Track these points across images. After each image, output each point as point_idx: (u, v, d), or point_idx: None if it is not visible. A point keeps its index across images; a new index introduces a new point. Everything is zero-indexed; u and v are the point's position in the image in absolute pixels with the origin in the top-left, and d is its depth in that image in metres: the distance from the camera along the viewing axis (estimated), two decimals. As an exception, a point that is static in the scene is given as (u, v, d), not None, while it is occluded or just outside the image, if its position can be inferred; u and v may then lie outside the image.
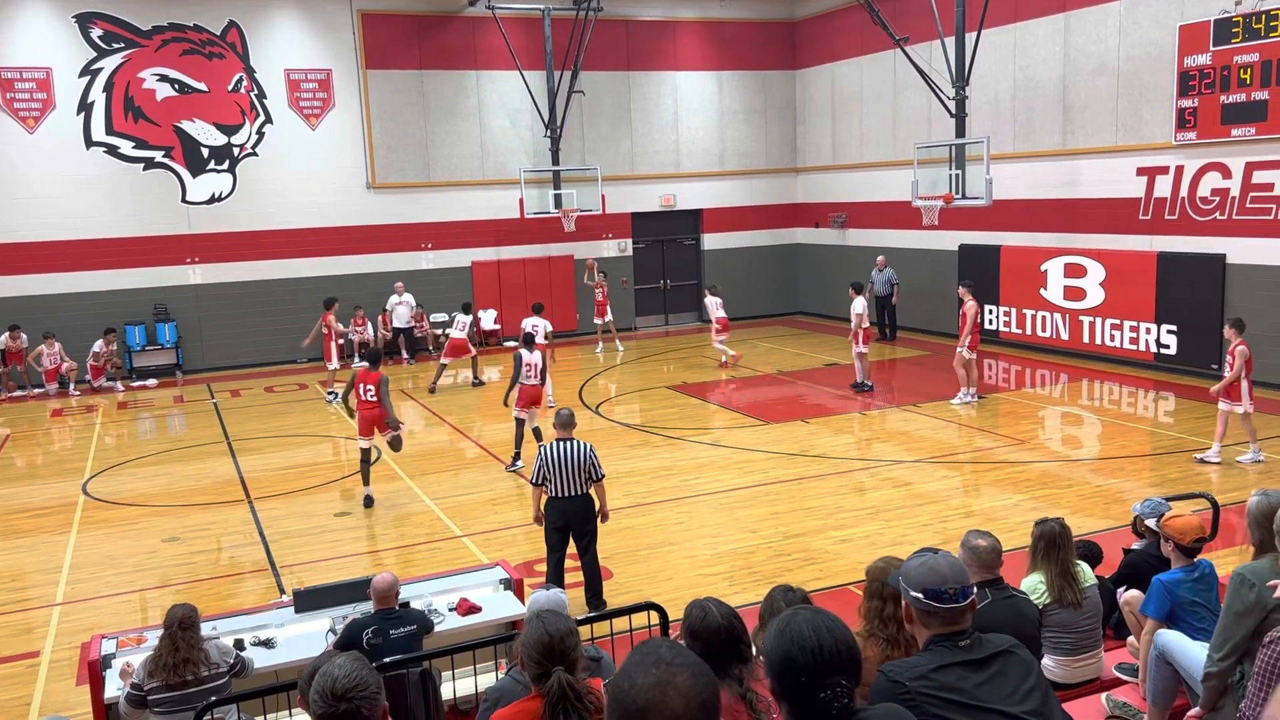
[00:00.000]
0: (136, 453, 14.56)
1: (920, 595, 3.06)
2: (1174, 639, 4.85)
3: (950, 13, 17.49)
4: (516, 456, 12.65)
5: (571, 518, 8.05)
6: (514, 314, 22.86)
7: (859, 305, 16.10)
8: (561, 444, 8.04)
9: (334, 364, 17.80)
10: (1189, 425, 13.56)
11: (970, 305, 14.94)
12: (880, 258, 21.88)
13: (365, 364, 12.15)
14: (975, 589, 4.10)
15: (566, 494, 8.00)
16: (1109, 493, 10.81)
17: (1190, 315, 16.27)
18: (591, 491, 8.10)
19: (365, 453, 11.58)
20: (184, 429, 16.35)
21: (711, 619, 3.44)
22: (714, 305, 19.18)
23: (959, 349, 15.06)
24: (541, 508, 8.27)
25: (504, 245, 23.07)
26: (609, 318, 21.18)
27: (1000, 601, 4.60)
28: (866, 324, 16.26)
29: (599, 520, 8.22)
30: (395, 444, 11.71)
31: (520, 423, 12.69)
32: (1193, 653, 4.75)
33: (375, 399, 11.51)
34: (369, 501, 11.45)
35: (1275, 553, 4.42)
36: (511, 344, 22.69)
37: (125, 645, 6.24)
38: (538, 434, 12.73)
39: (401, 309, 21.17)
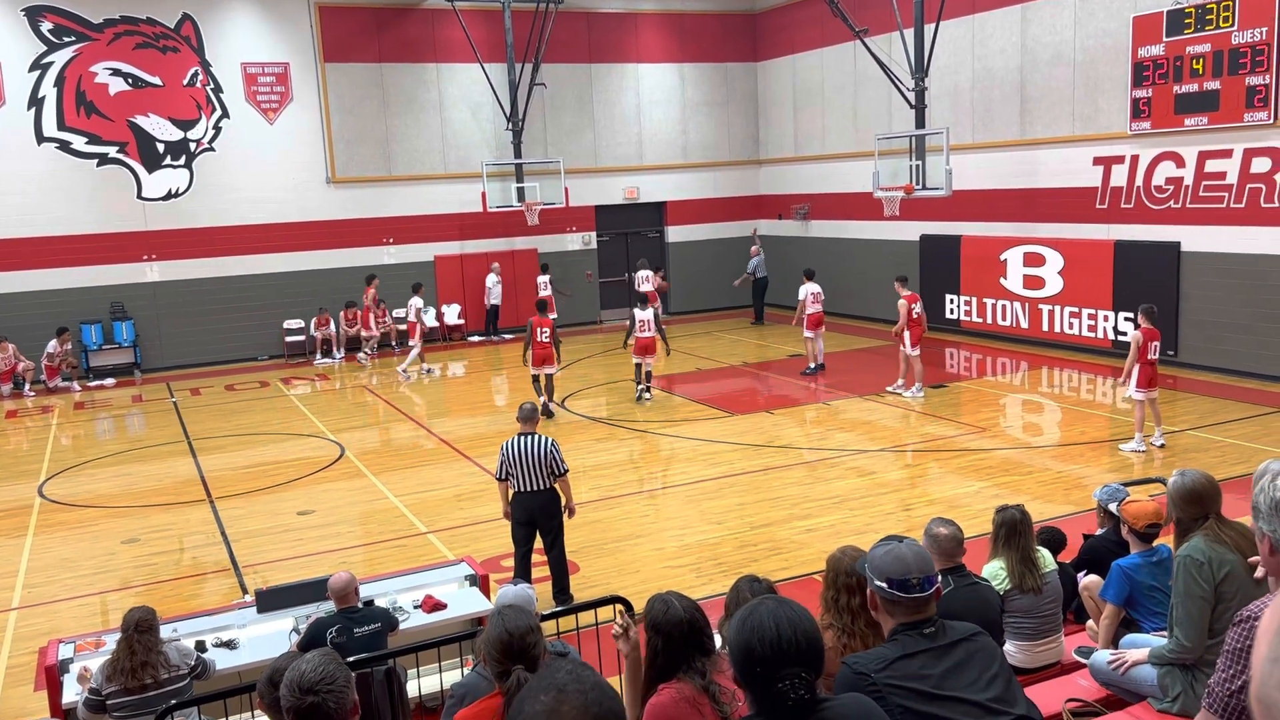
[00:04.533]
0: (94, 453, 14.33)
1: (885, 585, 3.08)
2: (1142, 668, 4.82)
3: (909, 4, 17.60)
4: (645, 389, 15.55)
5: (536, 512, 8.04)
6: (478, 308, 22.79)
7: (802, 292, 17.02)
8: (522, 438, 8.01)
9: (373, 333, 20.78)
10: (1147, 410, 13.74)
11: (902, 301, 14.97)
12: (754, 246, 23.05)
13: (539, 313, 15.28)
14: (940, 577, 4.15)
15: (530, 488, 7.98)
16: (1069, 479, 10.96)
17: (1147, 302, 16.45)
18: (557, 486, 8.08)
19: (535, 379, 14.81)
20: (143, 429, 16.11)
21: (674, 612, 3.45)
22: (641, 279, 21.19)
23: (900, 347, 15.15)
24: (508, 502, 8.25)
25: (467, 239, 22.93)
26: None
27: (963, 588, 4.66)
28: (813, 309, 16.98)
29: (565, 515, 8.20)
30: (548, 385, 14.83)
31: (639, 366, 15.51)
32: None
33: (549, 339, 14.57)
34: (549, 412, 14.47)
35: (1204, 531, 4.49)
36: (476, 338, 22.66)
37: (83, 649, 6.14)
38: (648, 376, 15.64)
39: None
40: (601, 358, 20.05)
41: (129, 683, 5.39)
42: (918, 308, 14.97)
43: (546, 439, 8.06)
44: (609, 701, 1.88)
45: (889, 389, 15.51)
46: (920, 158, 17.74)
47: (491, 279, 22.53)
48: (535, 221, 22.15)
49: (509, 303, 22.70)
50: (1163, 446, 11.75)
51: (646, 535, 9.84)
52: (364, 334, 21.05)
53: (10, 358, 18.70)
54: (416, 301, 19.32)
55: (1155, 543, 5.41)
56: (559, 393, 15.96)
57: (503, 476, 8.12)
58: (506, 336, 22.53)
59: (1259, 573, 2.46)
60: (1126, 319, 16.87)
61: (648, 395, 15.62)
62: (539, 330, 14.65)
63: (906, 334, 14.84)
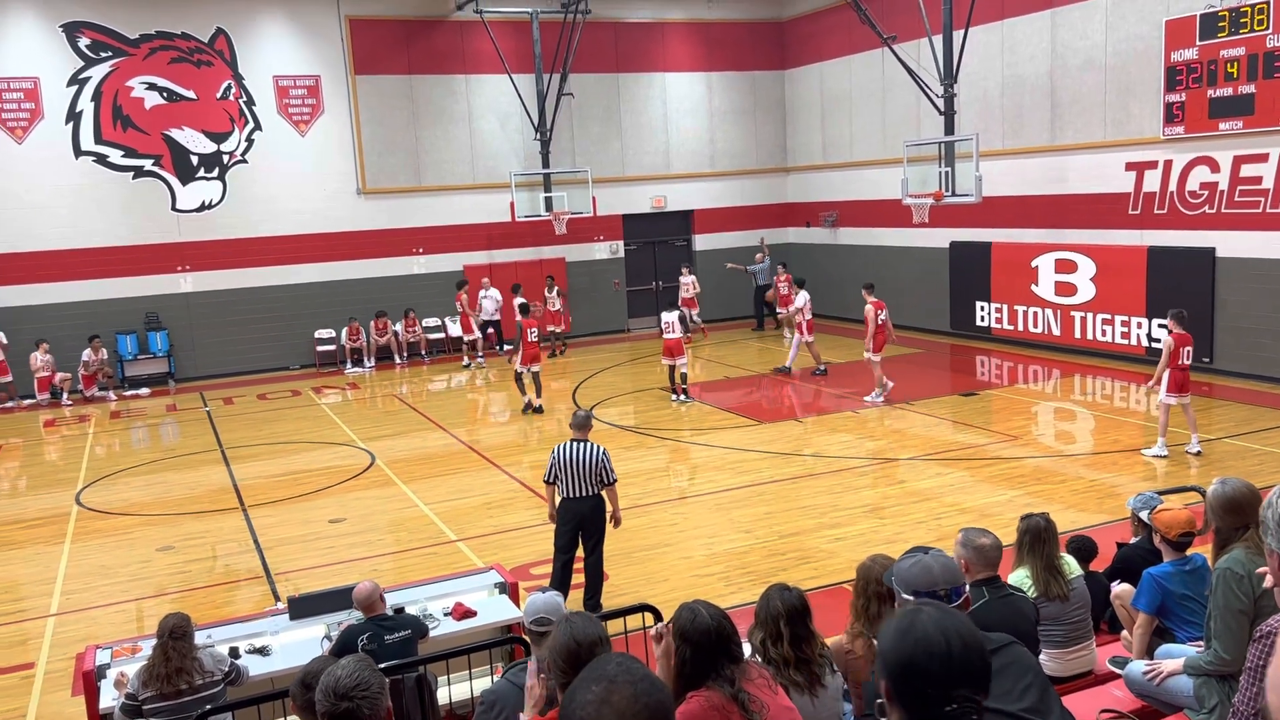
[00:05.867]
0: (130, 462, 14.53)
1: (912, 597, 3.07)
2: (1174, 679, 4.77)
3: (937, 11, 17.53)
4: (678, 392, 16.11)
5: (583, 518, 8.08)
6: (506, 317, 22.86)
7: (802, 299, 17.39)
8: (575, 444, 8.08)
9: (474, 335, 21.14)
10: (1181, 418, 13.57)
11: (869, 308, 15.28)
12: (759, 253, 23.19)
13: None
14: (970, 588, 4.12)
15: (577, 494, 8.03)
16: (1102, 487, 10.84)
17: (1181, 309, 16.28)
18: (604, 494, 8.12)
19: (518, 376, 15.83)
20: (177, 437, 16.31)
21: (701, 620, 3.45)
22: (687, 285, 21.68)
23: (865, 352, 15.46)
24: (555, 506, 8.27)
25: (495, 249, 23.06)
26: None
27: (998, 600, 4.56)
28: (809, 315, 17.57)
29: (611, 525, 8.24)
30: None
31: (671, 369, 16.13)
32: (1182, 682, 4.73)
33: (536, 339, 15.79)
34: (539, 409, 15.67)
35: (1244, 542, 4.42)
36: (507, 346, 22.74)
37: (120, 655, 6.23)
38: (683, 379, 16.23)
39: (488, 302, 21.56)
40: (629, 366, 20.08)
41: (164, 688, 5.46)
42: (883, 315, 15.33)
43: (598, 447, 8.11)
44: (658, 693, 1.92)
45: (867, 398, 15.48)
46: (949, 164, 17.65)
47: (490, 303, 21.75)
48: (563, 231, 22.25)
49: (509, 315, 22.52)
50: (1199, 454, 11.60)
51: (675, 544, 9.84)
52: (466, 337, 21.14)
53: (49, 365, 18.99)
54: (518, 302, 19.68)
55: (1189, 551, 5.35)
56: (557, 395, 16.00)
57: (551, 480, 8.17)
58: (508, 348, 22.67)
59: (1268, 581, 2.43)
60: (1160, 325, 16.66)
61: (682, 399, 16.02)
62: (528, 331, 15.80)
63: (869, 341, 15.31)
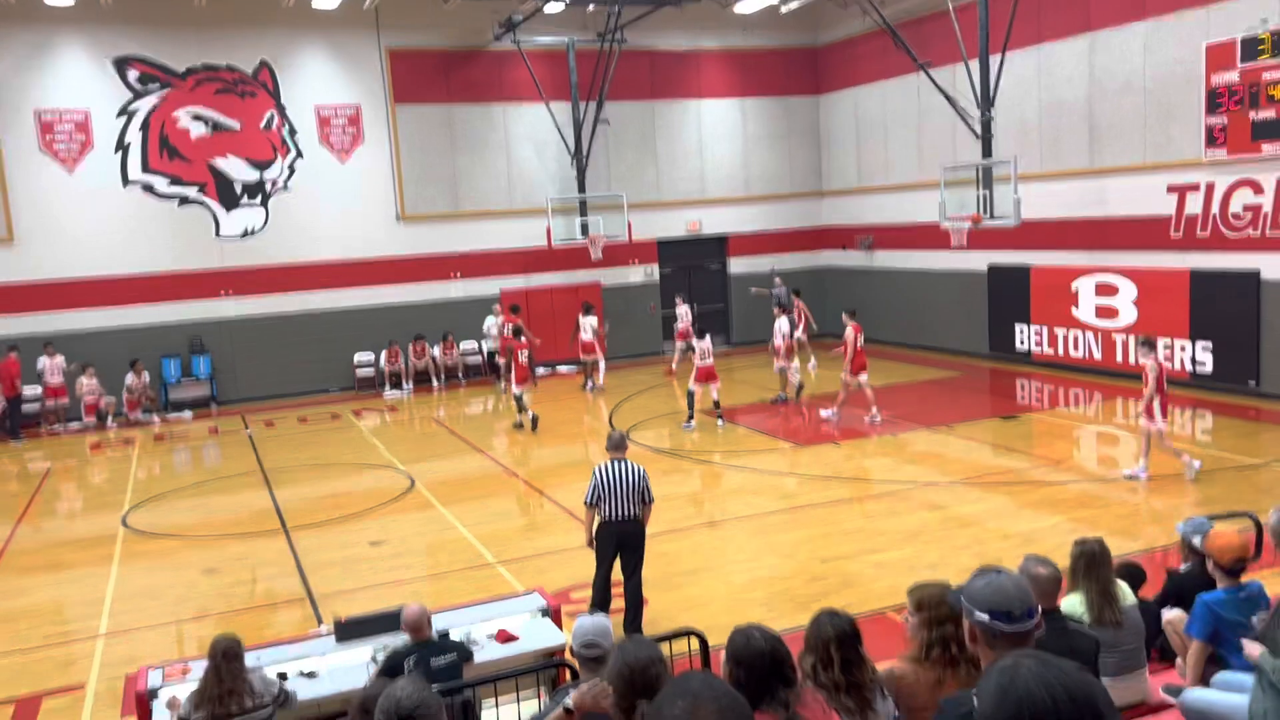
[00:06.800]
0: (174, 484, 14.74)
1: (986, 617, 3.01)
2: (1201, 699, 4.69)
3: (973, 36, 17.53)
4: (690, 418, 16.10)
5: (624, 540, 8.04)
6: (542, 341, 22.99)
7: (784, 324, 17.53)
8: (616, 464, 8.05)
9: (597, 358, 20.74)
10: (1229, 443, 13.40)
11: (849, 332, 15.66)
12: (777, 278, 23.03)
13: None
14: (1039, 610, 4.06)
15: (620, 516, 7.99)
16: (1149, 512, 10.69)
17: (1225, 332, 16.11)
18: (642, 515, 8.12)
19: (518, 398, 16.65)
20: (219, 460, 16.54)
21: (755, 644, 3.45)
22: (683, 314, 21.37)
23: (842, 373, 15.83)
24: (594, 530, 8.20)
25: (532, 273, 23.23)
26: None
27: (1053, 633, 4.26)
28: (787, 340, 17.56)
29: None
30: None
31: (699, 394, 16.13)
32: (1225, 705, 4.64)
33: (527, 361, 16.40)
34: (535, 425, 16.41)
35: None
36: (541, 370, 22.88)
37: (171, 676, 6.31)
38: (716, 405, 16.29)
39: (494, 328, 21.62)
40: (665, 389, 20.11)
41: (216, 710, 5.52)
42: (861, 339, 15.79)
43: (639, 466, 8.10)
44: (741, 708, 1.92)
45: (867, 418, 15.67)
46: (987, 187, 17.58)
47: (490, 321, 21.72)
48: (599, 255, 22.39)
49: (545, 339, 22.61)
50: (1194, 480, 11.51)
51: (715, 568, 9.81)
52: (586, 358, 20.51)
53: (95, 389, 19.34)
54: (591, 321, 19.96)
55: (1244, 578, 5.27)
56: (595, 417, 16.01)
57: (593, 502, 8.07)
58: (539, 370, 22.78)
59: None
60: (1204, 348, 16.47)
61: (718, 423, 16.11)
62: (519, 353, 16.60)
63: (847, 364, 15.69)
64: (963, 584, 3.21)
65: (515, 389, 16.74)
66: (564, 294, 23.27)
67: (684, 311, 21.87)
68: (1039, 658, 2.15)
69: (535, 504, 12.48)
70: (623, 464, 8.06)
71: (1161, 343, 17.13)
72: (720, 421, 16.12)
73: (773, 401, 17.80)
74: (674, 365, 21.04)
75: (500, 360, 20.74)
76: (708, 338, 16.39)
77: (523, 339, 17.28)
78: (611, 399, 19.36)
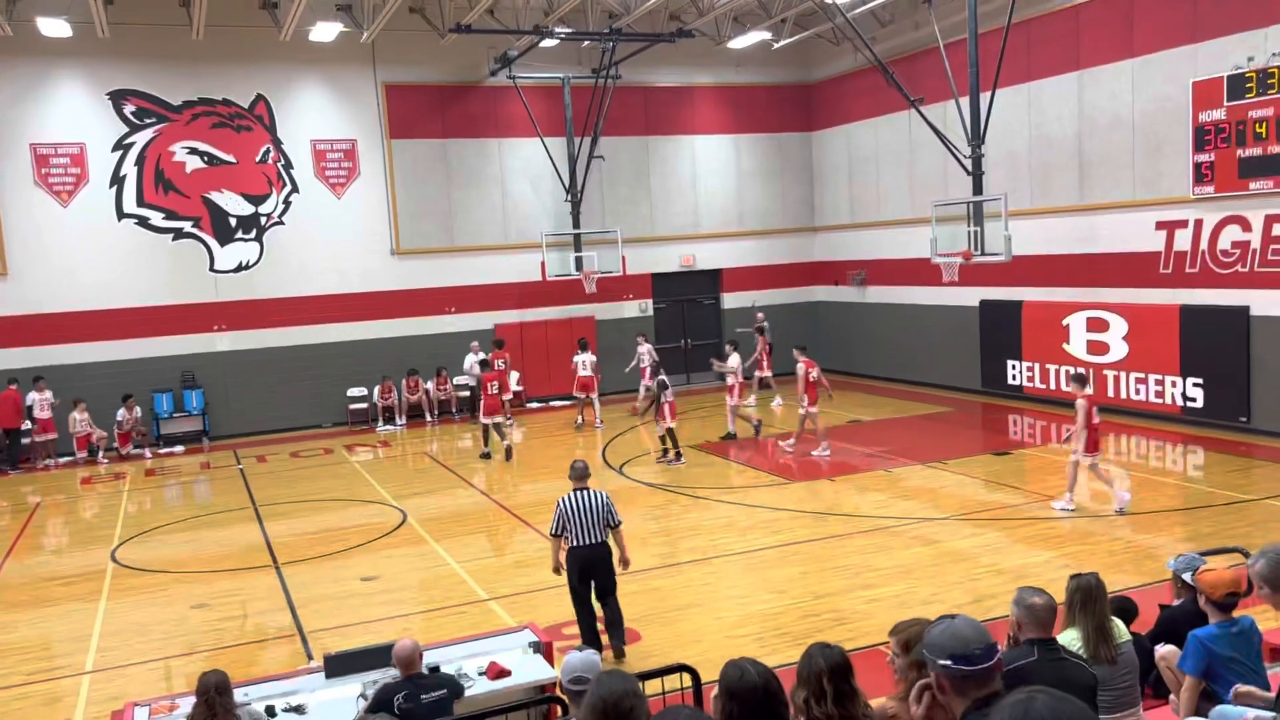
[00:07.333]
0: (164, 519, 14.64)
1: (949, 662, 3.04)
2: None
3: (964, 73, 17.74)
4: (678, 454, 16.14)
5: (594, 565, 8.33)
6: (536, 375, 23.02)
7: (735, 361, 17.84)
8: (579, 493, 8.42)
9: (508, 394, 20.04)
10: (1220, 478, 13.42)
11: (800, 366, 16.22)
12: (760, 313, 23.24)
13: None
14: (1023, 646, 4.06)
15: (587, 542, 8.31)
16: (1141, 548, 10.68)
17: (1216, 368, 16.19)
18: (610, 540, 8.40)
19: (485, 428, 17.39)
20: (211, 495, 16.45)
21: (749, 678, 3.44)
22: (645, 354, 20.92)
23: (799, 407, 16.36)
24: (561, 559, 8.54)
25: (527, 307, 23.29)
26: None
27: (1050, 662, 4.33)
28: (741, 378, 18.10)
29: (622, 567, 8.54)
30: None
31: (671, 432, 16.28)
32: None
33: (496, 393, 17.22)
34: (507, 454, 16.97)
35: None
36: (534, 405, 22.88)
37: (158, 713, 6.24)
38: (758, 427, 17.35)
39: (475, 365, 21.35)
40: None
41: (203, 745, 5.47)
42: (814, 373, 16.30)
43: (602, 493, 8.48)
44: None
45: (783, 444, 16.66)
46: (978, 224, 17.69)
47: (470, 360, 21.11)
48: (593, 290, 22.47)
49: (538, 373, 22.73)
50: (1122, 512, 11.80)
51: (707, 604, 9.77)
52: (580, 394, 20.06)
53: (86, 423, 19.27)
54: (589, 358, 19.97)
55: (1236, 613, 5.26)
56: (584, 452, 15.97)
57: (557, 532, 8.44)
58: (533, 405, 22.89)
59: None
60: (1195, 384, 16.53)
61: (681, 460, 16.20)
62: (488, 385, 17.22)
63: (805, 395, 16.15)
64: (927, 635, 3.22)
65: (484, 419, 17.31)
66: (558, 328, 23.32)
67: (645, 351, 21.06)
68: (1050, 694, 2.17)
69: (527, 539, 12.42)
70: (586, 492, 8.46)
71: (1152, 378, 17.22)
72: (674, 459, 16.12)
73: (721, 439, 17.87)
74: (637, 404, 20.79)
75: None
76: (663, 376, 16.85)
77: (490, 370, 17.87)
78: (607, 433, 19.33)
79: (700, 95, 24.65)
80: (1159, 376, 17.12)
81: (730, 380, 17.86)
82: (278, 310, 21.36)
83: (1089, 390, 12.23)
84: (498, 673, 6.76)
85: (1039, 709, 2.11)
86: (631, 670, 7.78)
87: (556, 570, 8.61)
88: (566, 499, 8.41)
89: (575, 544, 8.33)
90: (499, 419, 17.36)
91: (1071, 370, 12.98)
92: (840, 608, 9.39)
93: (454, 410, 22.10)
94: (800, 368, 16.28)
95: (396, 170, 22.08)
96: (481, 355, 20.54)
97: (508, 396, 20.68)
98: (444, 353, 22.11)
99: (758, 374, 21.91)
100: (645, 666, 7.58)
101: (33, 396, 18.88)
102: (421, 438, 20.50)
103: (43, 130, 19.71)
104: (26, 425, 19.01)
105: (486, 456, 17.36)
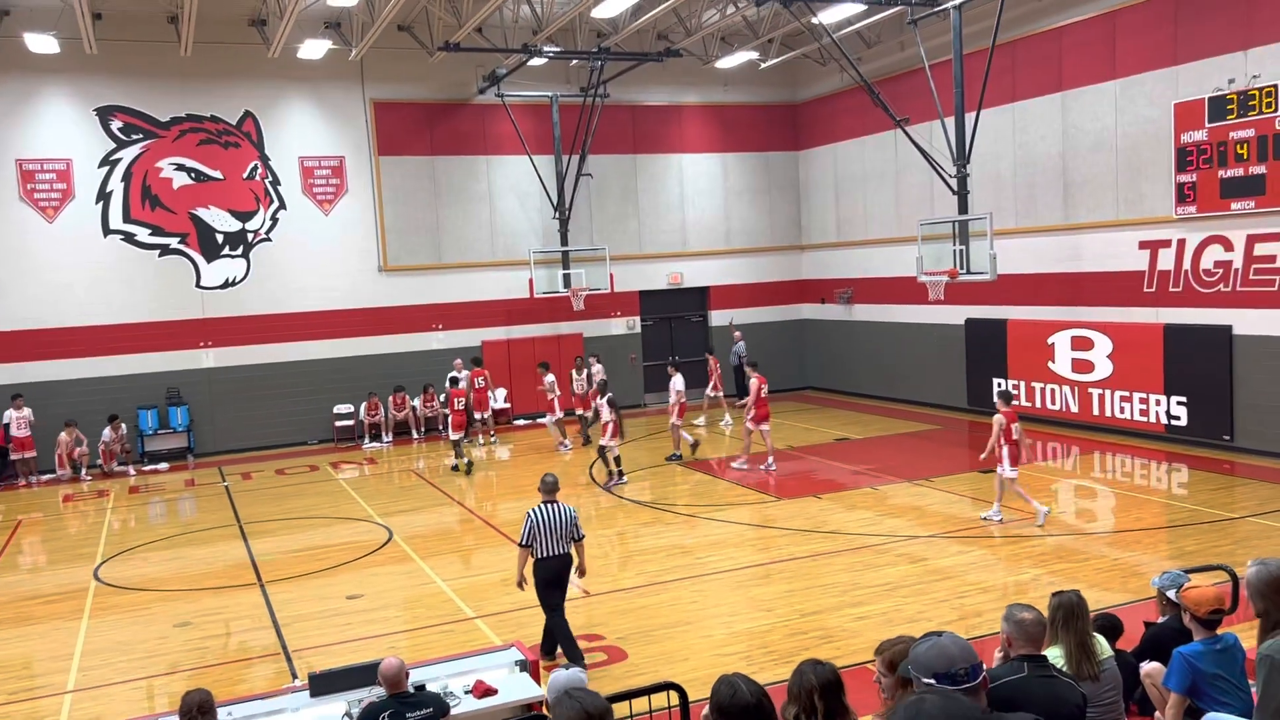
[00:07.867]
0: (148, 537, 14.54)
1: (934, 681, 3.05)
2: None
3: (949, 93, 17.89)
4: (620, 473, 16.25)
5: (559, 574, 8.71)
6: (524, 392, 22.99)
7: (679, 382, 18.05)
8: (549, 506, 8.75)
9: (487, 412, 20.80)
10: (1203, 497, 13.49)
11: (752, 382, 16.54)
12: (737, 331, 23.22)
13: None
14: (1012, 662, 4.06)
15: (554, 553, 8.66)
16: (1126, 566, 10.72)
17: (1199, 386, 16.30)
18: (572, 550, 8.79)
19: (455, 443, 17.96)
20: (195, 512, 16.34)
21: (740, 696, 3.43)
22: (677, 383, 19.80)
23: (746, 422, 16.65)
24: (524, 571, 8.84)
25: (514, 324, 23.30)
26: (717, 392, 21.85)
27: (1039, 678, 4.31)
28: (684, 400, 18.19)
29: (577, 574, 8.95)
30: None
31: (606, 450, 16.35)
32: None
33: (462, 408, 18.16)
34: (468, 469, 17.76)
35: None
36: (521, 422, 22.85)
37: (140, 732, 6.18)
38: (618, 461, 16.42)
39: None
40: (645, 441, 20.08)
41: (186, 765, 5.42)
42: (765, 389, 16.57)
43: (569, 507, 8.79)
44: None
45: (734, 464, 16.93)
46: (964, 242, 17.82)
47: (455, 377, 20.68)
48: (581, 307, 22.50)
49: (526, 391, 22.50)
50: (1043, 526, 12.16)
51: (695, 622, 9.75)
52: (478, 415, 20.22)
53: (73, 442, 19.15)
54: (450, 375, 19.51)
55: (1220, 630, 5.29)
56: (572, 467, 15.95)
57: (526, 543, 8.70)
58: (519, 421, 22.87)
59: None
60: (1179, 403, 16.64)
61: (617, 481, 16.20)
62: (455, 400, 17.95)
63: (752, 411, 16.44)
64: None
65: (453, 434, 17.96)
66: (546, 345, 23.32)
67: (598, 370, 20.66)
68: (943, 695, 2.36)
69: (514, 557, 12.35)
70: (555, 505, 8.77)
71: (1136, 396, 17.33)
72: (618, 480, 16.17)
73: (668, 460, 17.81)
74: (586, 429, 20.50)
75: (476, 413, 20.55)
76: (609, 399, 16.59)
77: (460, 386, 18.43)
78: (592, 451, 19.29)
79: (688, 114, 24.78)
80: (1143, 395, 17.23)
81: (676, 399, 17.96)
82: (264, 327, 21.29)
83: (1007, 407, 12.69)
84: (484, 691, 6.73)
85: (929, 709, 2.24)
86: (618, 688, 7.78)
87: (520, 584, 8.87)
88: (536, 511, 8.71)
89: (541, 555, 8.63)
90: (460, 435, 18.02)
91: (1000, 388, 13.45)
92: (827, 625, 9.39)
93: (440, 427, 22.01)
94: (754, 383, 16.53)
95: (385, 187, 22.09)
96: (466, 373, 20.46)
97: (487, 414, 20.60)
98: (431, 369, 22.07)
99: (708, 393, 21.96)
100: (632, 685, 7.56)
101: (10, 414, 18.75)
102: (408, 455, 20.43)
103: (29, 146, 19.65)
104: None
105: (455, 469, 17.86)
